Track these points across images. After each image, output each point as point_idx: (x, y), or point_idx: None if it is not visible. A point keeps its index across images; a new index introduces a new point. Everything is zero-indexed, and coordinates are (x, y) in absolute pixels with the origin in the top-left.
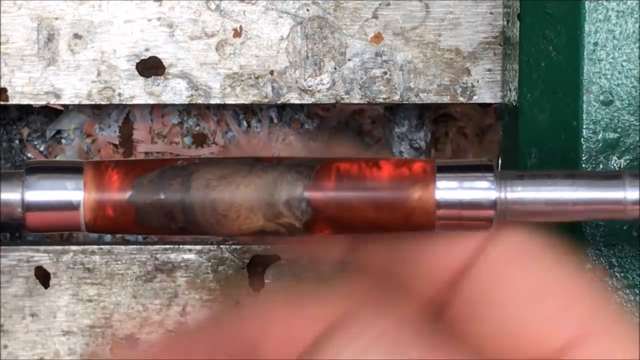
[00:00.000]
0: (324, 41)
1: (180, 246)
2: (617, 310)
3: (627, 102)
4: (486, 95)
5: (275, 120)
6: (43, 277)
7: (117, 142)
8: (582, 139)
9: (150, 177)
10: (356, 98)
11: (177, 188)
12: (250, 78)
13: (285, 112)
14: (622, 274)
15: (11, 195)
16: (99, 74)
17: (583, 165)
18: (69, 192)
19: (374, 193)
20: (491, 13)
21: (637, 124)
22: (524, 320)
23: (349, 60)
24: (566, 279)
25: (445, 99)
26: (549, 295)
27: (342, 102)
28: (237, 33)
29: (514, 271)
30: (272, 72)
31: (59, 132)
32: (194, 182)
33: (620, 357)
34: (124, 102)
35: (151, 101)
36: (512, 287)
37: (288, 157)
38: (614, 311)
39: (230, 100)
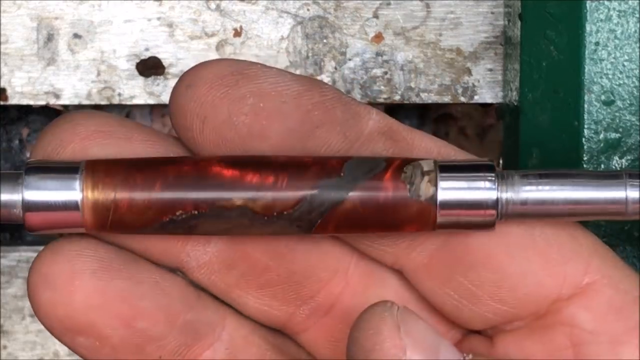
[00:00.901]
0: (325, 41)
1: None
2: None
3: (628, 102)
4: (487, 95)
5: None
6: None
7: None
8: (584, 139)
9: (151, 230)
10: (357, 98)
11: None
12: None
13: None
14: None
15: (11, 195)
16: (98, 74)
17: (584, 165)
18: (69, 192)
19: (378, 206)
20: (492, 13)
21: (639, 124)
22: None
23: (350, 60)
24: None
25: (446, 99)
26: None
27: None
28: (237, 33)
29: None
30: None
31: None
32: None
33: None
34: (123, 102)
35: (151, 101)
36: None
37: (286, 203)
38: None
39: None
